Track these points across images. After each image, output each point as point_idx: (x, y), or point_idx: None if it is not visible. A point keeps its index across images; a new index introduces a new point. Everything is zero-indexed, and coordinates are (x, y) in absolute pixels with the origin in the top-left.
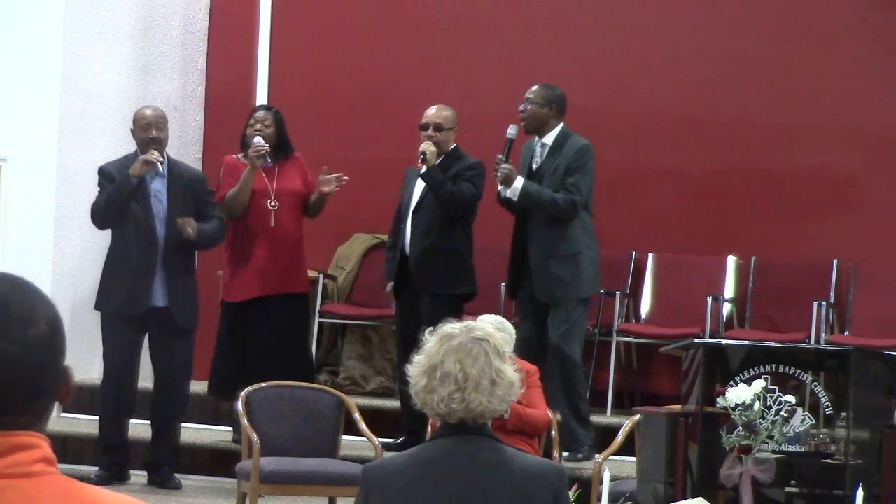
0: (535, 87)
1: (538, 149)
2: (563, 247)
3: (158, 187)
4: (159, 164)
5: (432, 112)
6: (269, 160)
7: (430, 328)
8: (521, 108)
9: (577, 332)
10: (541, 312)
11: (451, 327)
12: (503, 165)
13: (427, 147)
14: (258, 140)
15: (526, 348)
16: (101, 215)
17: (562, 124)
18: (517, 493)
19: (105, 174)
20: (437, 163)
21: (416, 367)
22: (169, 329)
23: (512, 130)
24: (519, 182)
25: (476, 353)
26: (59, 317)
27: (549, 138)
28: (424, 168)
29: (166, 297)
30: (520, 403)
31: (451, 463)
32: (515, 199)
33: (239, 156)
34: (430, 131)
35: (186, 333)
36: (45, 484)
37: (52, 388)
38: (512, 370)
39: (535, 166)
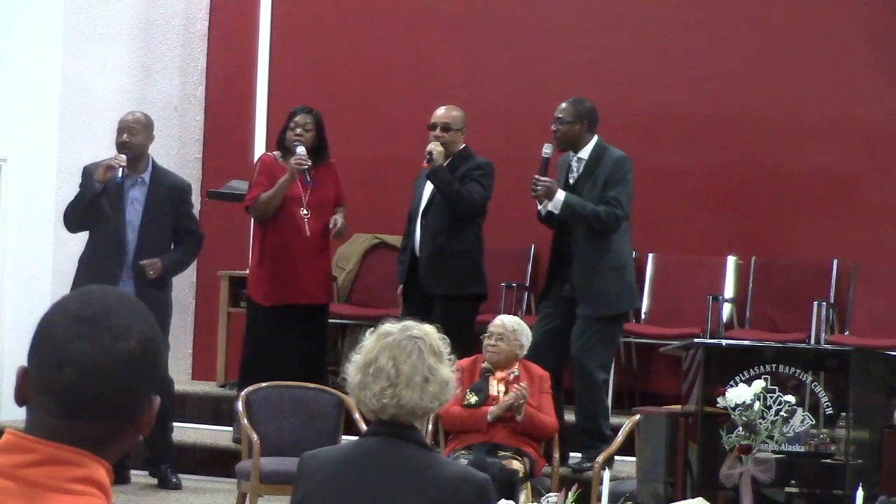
0: (563, 105)
1: (574, 164)
2: (608, 259)
3: (137, 195)
4: (120, 171)
5: (441, 112)
6: (310, 179)
7: (371, 329)
8: (553, 127)
9: (602, 346)
10: (569, 315)
11: (389, 326)
12: (543, 179)
13: (434, 147)
14: (302, 151)
15: (544, 343)
16: (68, 219)
17: (596, 137)
18: (436, 499)
19: (84, 174)
20: (446, 163)
21: (353, 364)
22: None
23: (547, 150)
24: (561, 195)
25: (410, 349)
26: (158, 345)
27: (585, 153)
28: (430, 168)
29: None
30: (531, 406)
31: (374, 463)
32: (557, 211)
33: (276, 154)
34: (437, 131)
35: None
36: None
37: (126, 410)
38: (448, 370)
39: (571, 181)
